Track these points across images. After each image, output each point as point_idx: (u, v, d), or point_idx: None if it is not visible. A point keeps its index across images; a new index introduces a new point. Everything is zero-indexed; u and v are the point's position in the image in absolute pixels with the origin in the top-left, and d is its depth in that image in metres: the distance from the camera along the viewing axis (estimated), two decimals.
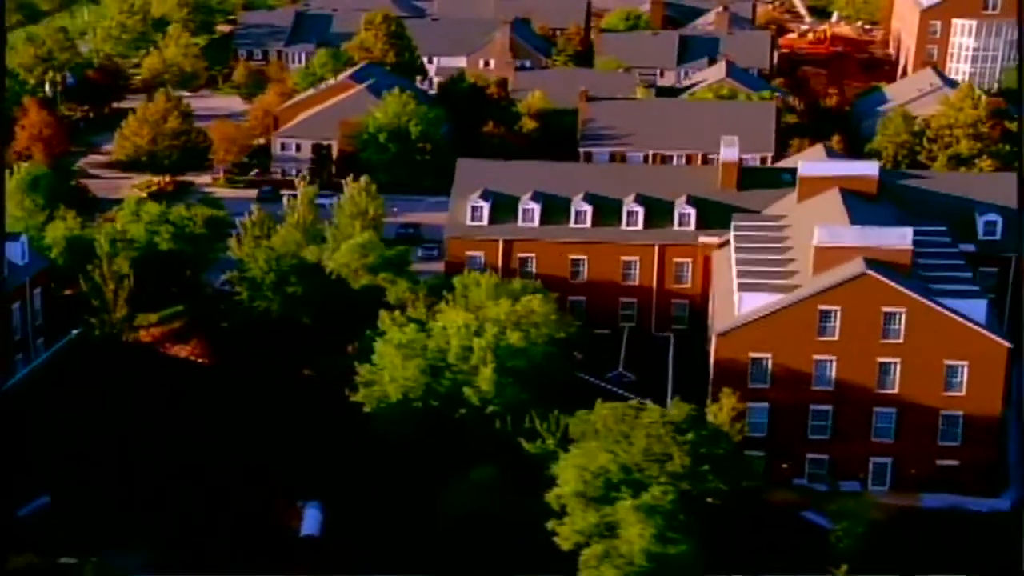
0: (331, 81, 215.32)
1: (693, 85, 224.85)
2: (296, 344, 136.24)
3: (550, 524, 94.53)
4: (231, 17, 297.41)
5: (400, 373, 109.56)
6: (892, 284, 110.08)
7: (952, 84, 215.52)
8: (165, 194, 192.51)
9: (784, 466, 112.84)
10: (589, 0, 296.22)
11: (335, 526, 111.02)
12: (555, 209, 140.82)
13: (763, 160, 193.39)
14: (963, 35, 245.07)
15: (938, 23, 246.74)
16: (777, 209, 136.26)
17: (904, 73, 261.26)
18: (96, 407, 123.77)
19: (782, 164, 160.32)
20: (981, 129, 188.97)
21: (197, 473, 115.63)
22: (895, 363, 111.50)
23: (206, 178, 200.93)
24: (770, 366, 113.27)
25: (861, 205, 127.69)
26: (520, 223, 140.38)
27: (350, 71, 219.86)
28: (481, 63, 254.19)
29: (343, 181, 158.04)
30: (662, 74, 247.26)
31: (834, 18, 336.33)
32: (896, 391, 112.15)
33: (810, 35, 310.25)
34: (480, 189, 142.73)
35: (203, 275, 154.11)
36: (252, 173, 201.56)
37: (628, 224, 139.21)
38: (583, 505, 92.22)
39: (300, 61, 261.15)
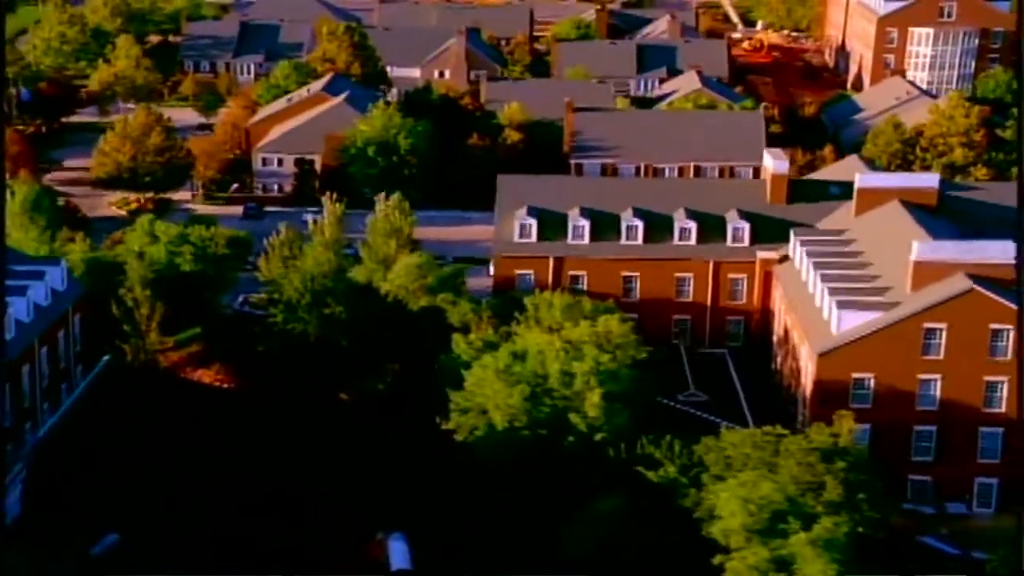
0: (302, 93, 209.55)
1: (667, 95, 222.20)
2: (332, 367, 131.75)
3: (717, 559, 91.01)
4: (164, 27, 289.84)
5: (504, 399, 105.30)
6: (1000, 300, 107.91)
7: (929, 93, 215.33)
8: (147, 212, 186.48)
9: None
10: (531, 10, 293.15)
11: (425, 560, 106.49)
12: (603, 225, 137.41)
13: (755, 171, 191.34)
14: (920, 43, 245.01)
15: (895, 31, 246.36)
16: (832, 223, 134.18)
17: (858, 81, 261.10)
18: (147, 438, 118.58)
19: (814, 176, 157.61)
20: (974, 137, 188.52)
21: (266, 504, 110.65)
22: (1002, 382, 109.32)
23: (184, 195, 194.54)
24: (873, 386, 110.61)
25: (925, 218, 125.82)
26: (570, 240, 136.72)
27: (319, 83, 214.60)
28: (436, 73, 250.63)
29: (325, 196, 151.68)
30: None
31: (759, 26, 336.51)
32: (1003, 410, 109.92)
33: (745, 43, 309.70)
34: (524, 205, 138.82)
35: (221, 297, 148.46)
36: (232, 189, 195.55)
37: (681, 239, 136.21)
38: (751, 539, 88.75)
39: (249, 72, 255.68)
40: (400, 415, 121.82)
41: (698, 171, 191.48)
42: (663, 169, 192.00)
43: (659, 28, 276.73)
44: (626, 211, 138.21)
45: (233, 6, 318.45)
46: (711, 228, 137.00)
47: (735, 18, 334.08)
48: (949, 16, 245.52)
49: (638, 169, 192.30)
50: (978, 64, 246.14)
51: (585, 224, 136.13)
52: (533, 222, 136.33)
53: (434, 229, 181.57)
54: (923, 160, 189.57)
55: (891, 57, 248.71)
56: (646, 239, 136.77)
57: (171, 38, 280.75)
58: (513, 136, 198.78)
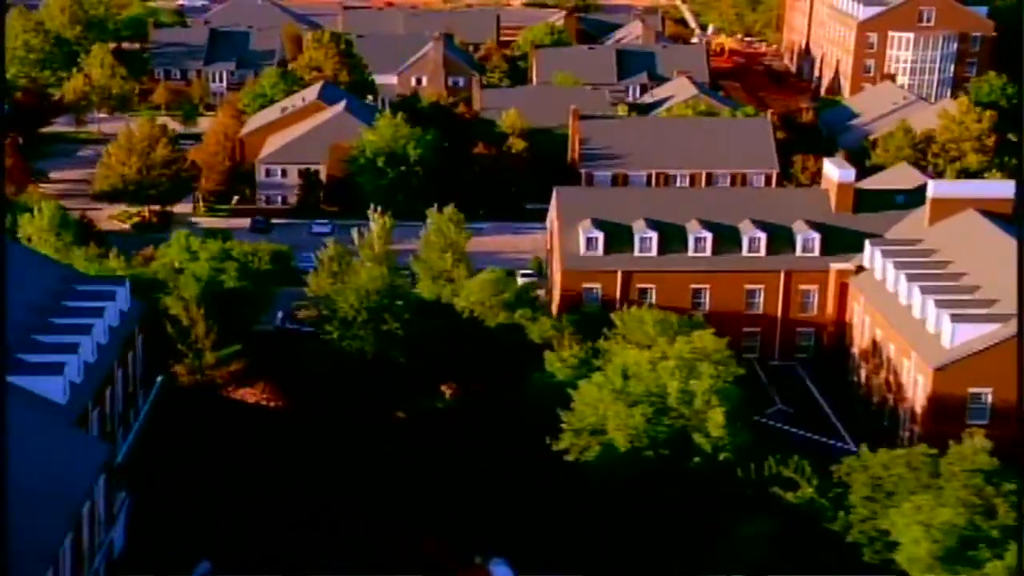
0: (296, 102, 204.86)
1: (661, 101, 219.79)
2: (386, 384, 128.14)
3: None
4: (123, 33, 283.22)
5: (625, 419, 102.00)
6: None
7: (925, 98, 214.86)
8: (152, 225, 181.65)
9: None
10: (498, 16, 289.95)
11: None
12: (668, 236, 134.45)
13: (767, 178, 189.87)
14: (900, 48, 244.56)
15: (875, 36, 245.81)
16: (903, 232, 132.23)
17: (834, 86, 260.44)
18: (212, 460, 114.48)
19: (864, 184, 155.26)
20: (986, 142, 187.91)
21: (351, 527, 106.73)
22: None
23: (184, 207, 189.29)
24: (990, 401, 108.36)
25: (1005, 227, 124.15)
26: (637, 252, 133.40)
27: (311, 91, 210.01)
28: (413, 80, 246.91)
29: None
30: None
31: (710, 31, 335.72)
32: None
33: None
34: (587, 218, 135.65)
35: (263, 313, 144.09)
36: (234, 201, 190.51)
37: (750, 250, 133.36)
38: (933, 567, 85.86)
39: (221, 80, 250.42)
40: (474, 433, 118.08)
41: (710, 179, 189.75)
42: (675, 176, 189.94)
43: (632, 33, 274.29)
44: (690, 222, 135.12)
45: (189, 12, 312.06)
46: (777, 238, 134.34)
47: (693, 23, 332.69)
48: (928, 21, 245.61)
49: (649, 177, 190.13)
50: (957, 68, 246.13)
51: (653, 236, 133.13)
52: (600, 235, 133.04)
53: None
54: (935, 165, 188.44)
55: (871, 62, 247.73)
56: (713, 251, 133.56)
57: (138, 45, 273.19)
58: (517, 144, 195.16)
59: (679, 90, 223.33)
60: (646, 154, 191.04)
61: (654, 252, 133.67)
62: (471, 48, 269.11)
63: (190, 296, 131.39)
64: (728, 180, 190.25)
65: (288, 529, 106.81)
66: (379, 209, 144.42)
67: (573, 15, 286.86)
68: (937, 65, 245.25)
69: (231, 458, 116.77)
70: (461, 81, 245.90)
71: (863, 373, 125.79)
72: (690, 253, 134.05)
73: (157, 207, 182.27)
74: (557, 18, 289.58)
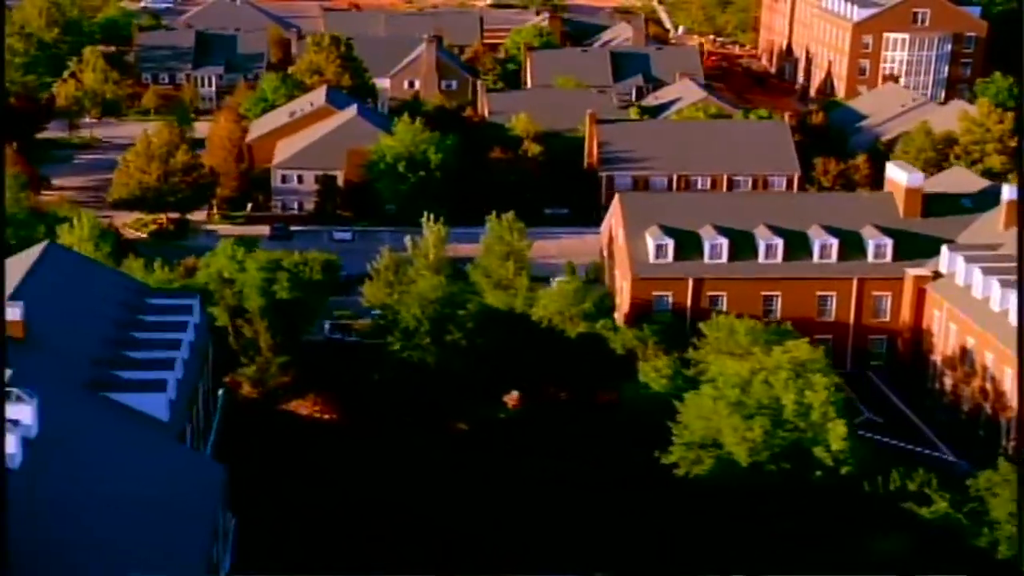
0: (305, 107, 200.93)
1: (668, 103, 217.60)
2: (450, 395, 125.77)
3: None
4: (96, 36, 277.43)
5: (744, 432, 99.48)
6: None
7: (936, 99, 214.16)
8: (170, 233, 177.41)
9: None
10: (481, 17, 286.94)
11: None
12: (737, 243, 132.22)
13: (789, 182, 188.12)
14: (895, 49, 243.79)
15: (870, 37, 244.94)
16: (976, 237, 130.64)
17: (824, 87, 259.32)
18: (283, 475, 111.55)
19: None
20: (1009, 144, 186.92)
21: (436, 539, 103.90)
22: None
23: (198, 215, 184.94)
24: None
25: None
26: (707, 259, 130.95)
27: (317, 95, 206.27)
28: (405, 83, 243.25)
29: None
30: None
31: (680, 32, 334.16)
32: None
33: None
34: (652, 224, 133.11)
35: (314, 324, 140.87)
36: (248, 208, 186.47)
37: (821, 257, 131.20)
38: None
39: (210, 84, 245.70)
40: (559, 443, 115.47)
41: (731, 182, 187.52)
42: (696, 180, 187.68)
43: (620, 35, 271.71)
44: (757, 227, 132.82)
45: (160, 15, 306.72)
46: (847, 244, 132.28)
47: (668, 23, 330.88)
48: (923, 22, 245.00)
49: (670, 180, 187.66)
50: (951, 69, 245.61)
51: (723, 242, 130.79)
52: (670, 242, 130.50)
53: (472, 247, 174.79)
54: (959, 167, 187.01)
55: (866, 63, 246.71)
56: (784, 257, 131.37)
57: (114, 48, 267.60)
58: (533, 148, 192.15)
59: (684, 92, 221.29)
60: (667, 157, 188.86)
61: (724, 259, 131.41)
62: (456, 50, 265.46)
63: (254, 307, 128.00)
64: (749, 184, 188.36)
65: (366, 541, 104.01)
66: (432, 216, 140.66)
67: (557, 17, 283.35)
68: (933, 66, 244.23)
69: (300, 471, 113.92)
70: (455, 84, 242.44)
71: (949, 381, 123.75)
72: (760, 260, 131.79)
73: (176, 215, 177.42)
74: (540, 20, 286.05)
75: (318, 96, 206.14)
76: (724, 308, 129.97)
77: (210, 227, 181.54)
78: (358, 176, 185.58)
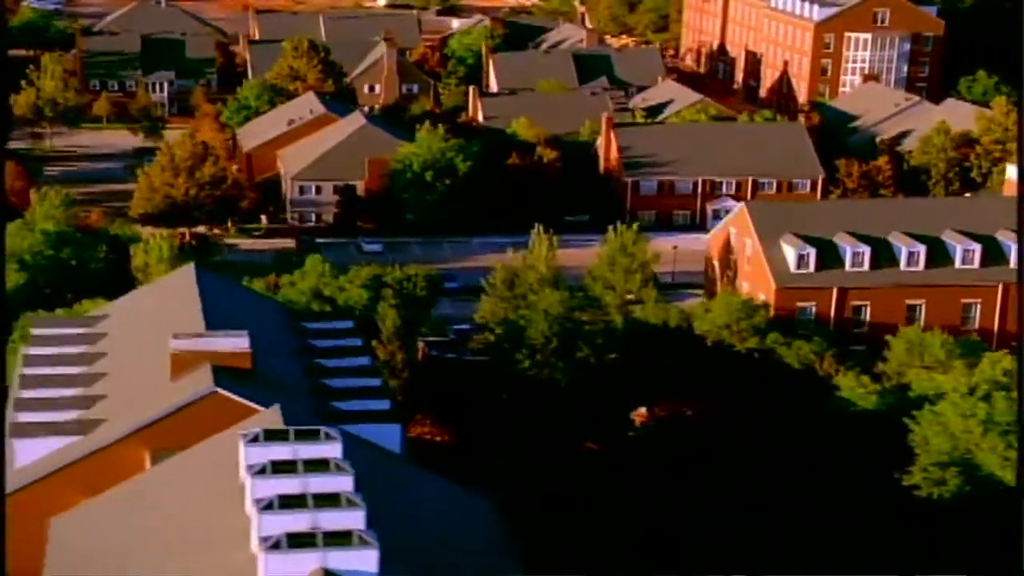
0: (304, 115, 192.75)
1: (658, 106, 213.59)
2: (580, 415, 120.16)
3: None
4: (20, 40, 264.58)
5: (1003, 452, 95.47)
6: None
7: (931, 98, 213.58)
8: (194, 249, 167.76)
9: None
10: (419, 19, 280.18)
11: None
12: (876, 250, 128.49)
13: (813, 184, 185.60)
14: (858, 48, 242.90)
15: (831, 37, 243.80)
16: None
17: (778, 87, 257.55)
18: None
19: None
20: None
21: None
22: None
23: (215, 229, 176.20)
24: None
25: None
26: (849, 268, 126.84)
27: (305, 102, 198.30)
28: (366, 88, 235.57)
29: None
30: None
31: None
32: None
33: None
34: (784, 232, 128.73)
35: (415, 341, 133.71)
36: (263, 220, 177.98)
37: (963, 263, 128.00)
38: None
39: (162, 90, 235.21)
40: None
41: (756, 185, 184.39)
42: (720, 183, 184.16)
43: (570, 36, 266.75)
44: (891, 234, 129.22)
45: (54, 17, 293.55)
46: (987, 249, 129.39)
47: (590, 24, 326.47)
48: (883, 22, 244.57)
49: (695, 185, 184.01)
50: (910, 68, 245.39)
51: (865, 251, 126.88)
52: (812, 251, 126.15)
53: (503, 256, 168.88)
54: (979, 167, 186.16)
55: (827, 63, 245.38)
56: (925, 264, 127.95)
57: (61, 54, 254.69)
58: (548, 154, 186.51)
59: (673, 94, 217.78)
60: (690, 161, 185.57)
61: (867, 267, 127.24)
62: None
63: (389, 327, 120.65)
64: (774, 187, 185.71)
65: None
66: (541, 227, 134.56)
67: (499, 20, 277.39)
68: (894, 65, 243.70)
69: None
70: (416, 88, 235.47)
71: None
72: (902, 267, 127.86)
73: (201, 229, 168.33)
74: (474, 23, 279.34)
75: (310, 102, 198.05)
76: (867, 318, 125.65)
77: (230, 241, 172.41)
78: (379, 185, 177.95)
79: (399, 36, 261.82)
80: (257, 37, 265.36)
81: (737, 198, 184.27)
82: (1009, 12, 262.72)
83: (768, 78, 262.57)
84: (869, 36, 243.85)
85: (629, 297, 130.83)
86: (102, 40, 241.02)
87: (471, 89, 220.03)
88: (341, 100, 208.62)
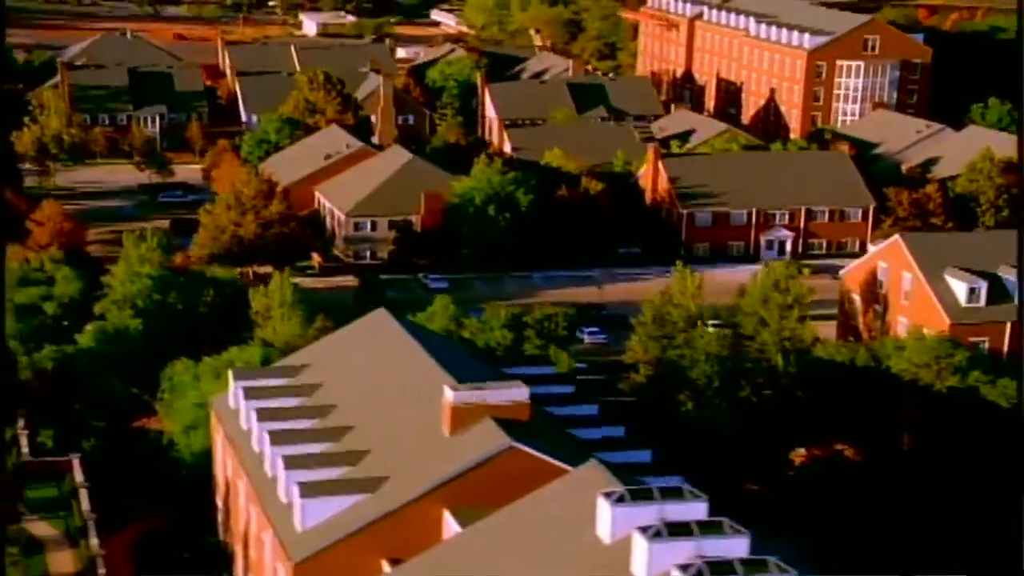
0: (340, 149, 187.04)
1: (684, 135, 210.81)
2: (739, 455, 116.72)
3: None
4: None
5: None
6: None
7: (952, 126, 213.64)
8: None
9: None
10: (391, 48, 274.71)
11: None
12: None
13: (864, 213, 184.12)
14: (849, 76, 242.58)
15: (824, 65, 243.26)
16: None
17: (763, 115, 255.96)
18: None
19: None
20: None
21: None
22: None
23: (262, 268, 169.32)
24: None
25: None
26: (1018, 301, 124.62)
27: (332, 136, 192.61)
28: None
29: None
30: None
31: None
32: None
33: None
34: (946, 265, 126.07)
35: None
36: (315, 258, 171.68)
37: None
38: None
39: (153, 124, 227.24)
40: None
41: (810, 215, 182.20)
42: (774, 215, 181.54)
43: (554, 66, 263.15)
44: None
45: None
46: None
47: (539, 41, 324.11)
48: (873, 49, 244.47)
49: (750, 215, 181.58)
50: (899, 96, 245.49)
51: None
52: (983, 284, 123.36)
53: (566, 291, 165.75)
54: None
55: (819, 90, 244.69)
56: None
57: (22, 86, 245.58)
58: (594, 186, 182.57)
59: (690, 123, 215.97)
60: (742, 191, 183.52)
61: None
62: None
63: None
64: (827, 216, 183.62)
65: None
66: (680, 262, 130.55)
67: (475, 49, 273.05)
68: (886, 92, 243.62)
69: None
70: (412, 118, 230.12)
71: None
72: None
73: (265, 269, 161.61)
74: (447, 53, 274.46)
75: (338, 135, 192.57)
76: None
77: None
78: (436, 220, 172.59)
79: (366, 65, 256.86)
80: (227, 68, 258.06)
81: (791, 228, 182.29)
82: (991, 38, 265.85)
83: (751, 105, 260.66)
84: (861, 64, 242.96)
85: (785, 334, 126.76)
86: (88, 73, 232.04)
87: (495, 120, 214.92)
88: (358, 133, 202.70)
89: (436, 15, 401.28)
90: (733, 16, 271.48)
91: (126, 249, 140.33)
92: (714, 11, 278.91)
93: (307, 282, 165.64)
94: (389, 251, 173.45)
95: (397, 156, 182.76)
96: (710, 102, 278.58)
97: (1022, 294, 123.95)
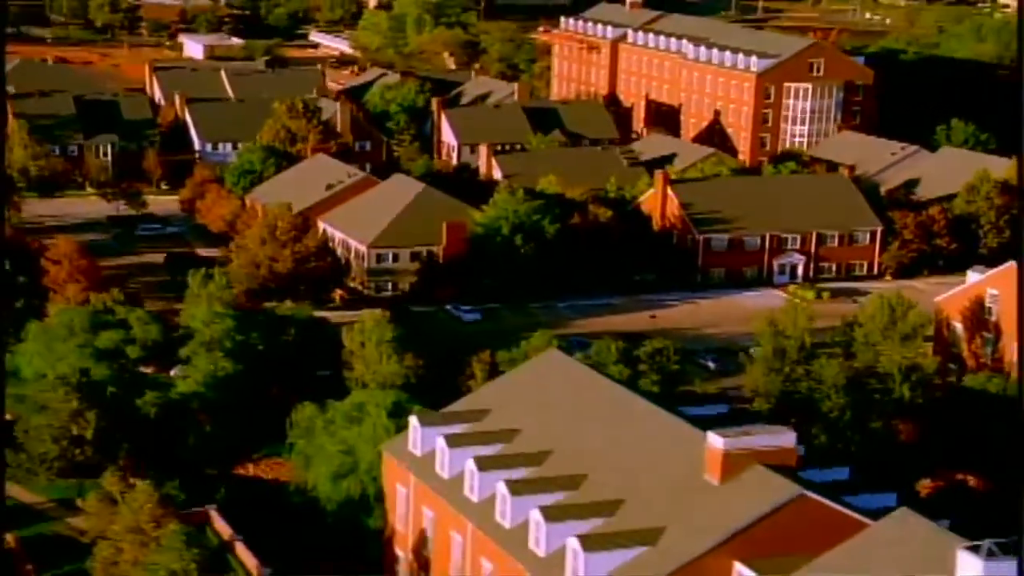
0: (342, 179, 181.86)
1: (663, 159, 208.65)
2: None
3: None
4: None
5: None
6: None
7: (929, 146, 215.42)
8: None
9: None
10: (324, 72, 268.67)
11: None
12: None
13: (872, 235, 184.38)
14: (797, 98, 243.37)
15: (772, 87, 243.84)
16: None
17: (707, 138, 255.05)
18: None
19: None
20: None
21: None
22: None
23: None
24: None
25: None
26: None
27: (316, 164, 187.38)
28: None
29: None
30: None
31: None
32: None
33: None
34: None
35: None
36: (336, 292, 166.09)
37: None
38: None
39: (105, 154, 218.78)
40: None
41: (821, 238, 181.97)
42: (787, 239, 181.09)
43: (492, 90, 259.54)
44: None
45: None
46: None
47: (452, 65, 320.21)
48: (818, 71, 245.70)
49: (763, 239, 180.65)
50: (843, 117, 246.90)
51: None
52: None
53: (605, 319, 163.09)
54: None
55: (768, 112, 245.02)
56: None
57: None
58: (603, 213, 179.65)
59: (666, 146, 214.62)
60: (754, 216, 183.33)
61: None
62: None
63: None
64: (836, 240, 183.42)
65: None
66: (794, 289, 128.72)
67: (410, 73, 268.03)
68: (832, 114, 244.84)
69: None
70: (368, 145, 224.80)
71: None
72: None
73: (288, 303, 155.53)
74: (386, 78, 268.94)
75: (326, 164, 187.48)
76: None
77: (319, 314, 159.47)
78: (459, 250, 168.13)
79: (306, 92, 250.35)
80: (158, 95, 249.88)
81: (802, 252, 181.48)
82: (935, 60, 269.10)
83: (691, 127, 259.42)
84: (809, 86, 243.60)
85: (906, 363, 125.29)
86: (34, 102, 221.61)
87: (485, 146, 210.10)
88: (346, 159, 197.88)
89: (315, 36, 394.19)
90: (663, 39, 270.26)
91: (192, 288, 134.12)
92: (639, 33, 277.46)
93: (333, 316, 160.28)
94: (411, 283, 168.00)
95: (405, 185, 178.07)
96: (638, 124, 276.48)
97: (1022, 294, 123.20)
